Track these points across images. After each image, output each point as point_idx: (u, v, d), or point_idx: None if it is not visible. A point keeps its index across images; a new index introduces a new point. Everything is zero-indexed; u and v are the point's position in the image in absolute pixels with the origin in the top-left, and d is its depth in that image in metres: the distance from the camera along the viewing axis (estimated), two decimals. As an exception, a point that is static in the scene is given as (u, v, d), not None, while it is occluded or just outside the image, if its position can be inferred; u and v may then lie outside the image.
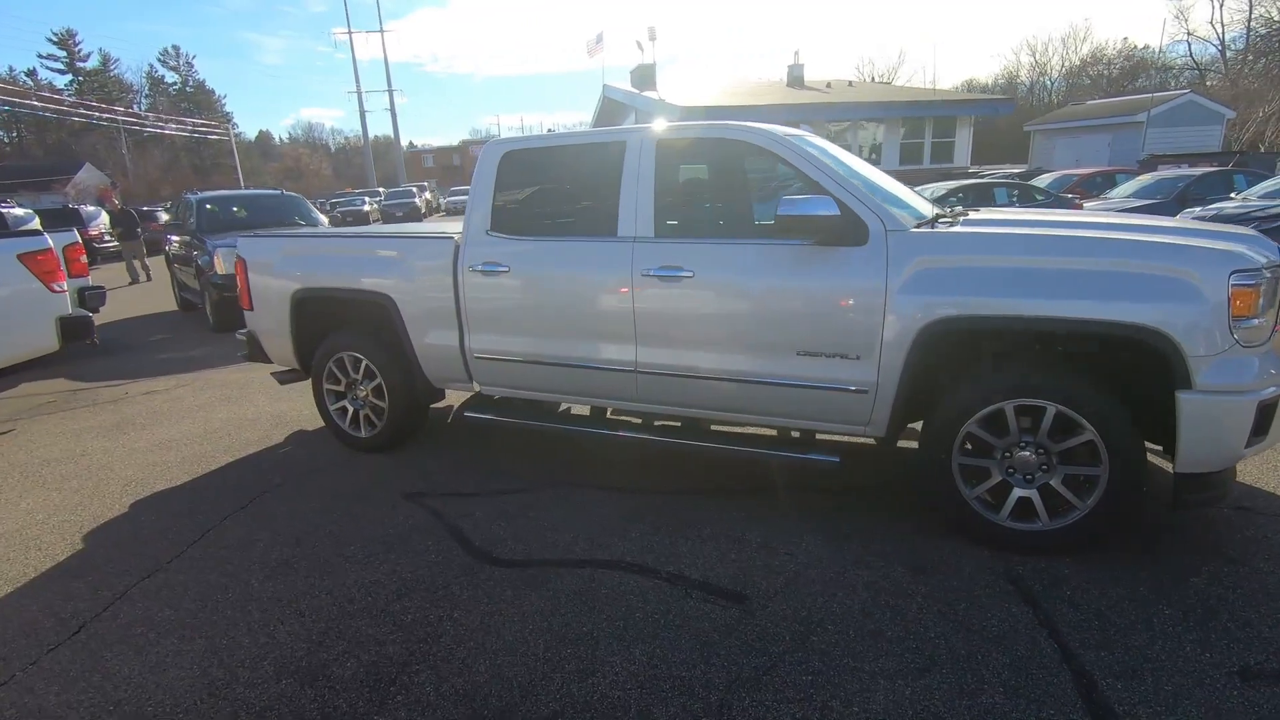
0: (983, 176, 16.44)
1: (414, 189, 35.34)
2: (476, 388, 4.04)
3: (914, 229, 2.95)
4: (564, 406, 4.35)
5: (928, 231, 2.94)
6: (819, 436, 3.43)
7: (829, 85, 25.29)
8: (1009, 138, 35.70)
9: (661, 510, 3.44)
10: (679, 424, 3.72)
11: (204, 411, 5.52)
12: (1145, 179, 13.24)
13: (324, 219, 10.65)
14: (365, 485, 3.93)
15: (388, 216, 30.03)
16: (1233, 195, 11.28)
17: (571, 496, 3.65)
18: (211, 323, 8.86)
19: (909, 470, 3.42)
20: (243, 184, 44.08)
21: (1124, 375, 2.83)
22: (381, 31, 44.66)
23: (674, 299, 3.31)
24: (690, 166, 3.78)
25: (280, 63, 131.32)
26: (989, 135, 33.51)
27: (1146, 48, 43.95)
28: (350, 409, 4.45)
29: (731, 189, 3.80)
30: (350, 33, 43.74)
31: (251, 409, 5.51)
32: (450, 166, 71.18)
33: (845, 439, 3.63)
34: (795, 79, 26.30)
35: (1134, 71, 44.86)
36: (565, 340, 3.61)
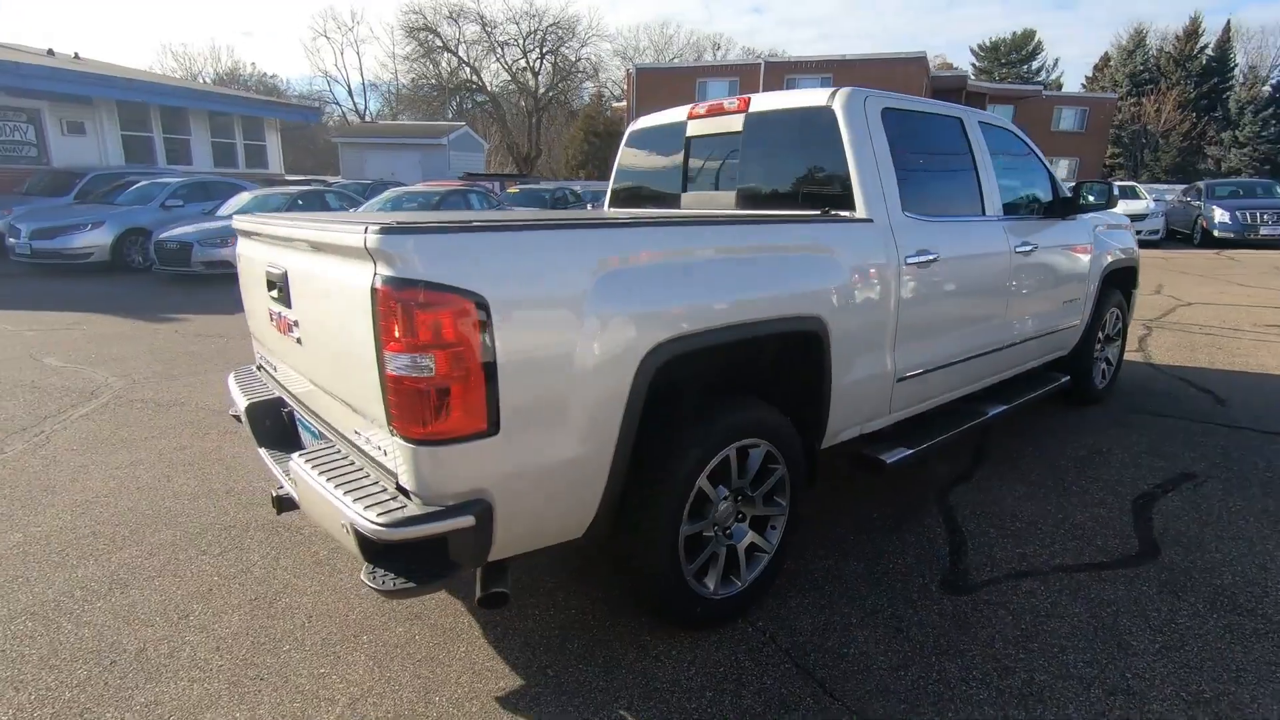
0: (329, 186, 15.96)
1: None
2: (873, 425, 2.92)
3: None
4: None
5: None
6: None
7: (76, 55, 18.24)
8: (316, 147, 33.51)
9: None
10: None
11: None
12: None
13: None
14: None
15: None
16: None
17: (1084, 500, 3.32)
18: None
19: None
20: None
21: None
22: None
23: (1026, 270, 3.58)
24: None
25: None
26: (299, 143, 31.08)
27: (275, 75, 47.90)
28: (720, 551, 2.31)
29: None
30: None
31: None
32: None
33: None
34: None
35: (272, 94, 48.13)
36: (980, 329, 3.33)
